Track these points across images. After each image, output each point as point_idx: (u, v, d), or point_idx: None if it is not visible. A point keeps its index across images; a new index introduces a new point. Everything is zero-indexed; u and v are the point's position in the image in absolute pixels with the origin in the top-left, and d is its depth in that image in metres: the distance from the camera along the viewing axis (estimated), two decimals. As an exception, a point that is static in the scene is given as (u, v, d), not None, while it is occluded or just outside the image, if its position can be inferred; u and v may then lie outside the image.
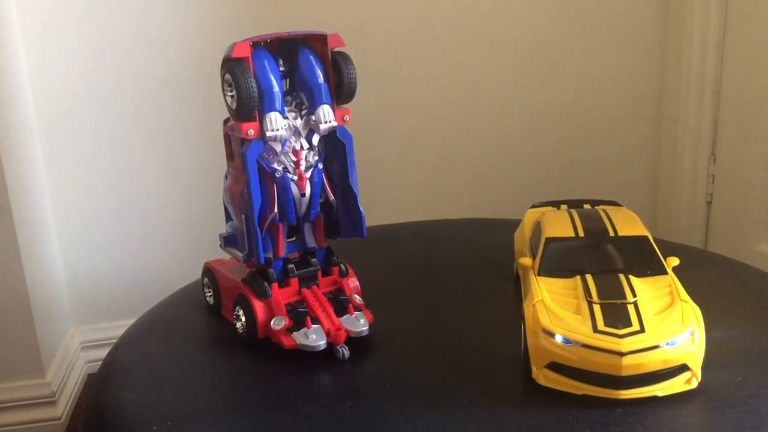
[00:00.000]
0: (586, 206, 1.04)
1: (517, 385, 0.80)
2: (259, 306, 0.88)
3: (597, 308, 0.78)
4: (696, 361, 0.76)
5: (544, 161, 1.98)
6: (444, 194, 1.95)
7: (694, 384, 0.77)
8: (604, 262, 0.86)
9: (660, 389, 0.76)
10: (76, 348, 1.83)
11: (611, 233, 0.90)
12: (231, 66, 0.80)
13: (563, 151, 1.98)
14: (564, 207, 1.05)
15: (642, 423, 0.73)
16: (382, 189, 1.88)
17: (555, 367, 0.77)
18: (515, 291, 1.01)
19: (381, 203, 1.88)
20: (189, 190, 1.83)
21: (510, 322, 0.91)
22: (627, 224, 0.92)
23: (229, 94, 0.81)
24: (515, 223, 1.09)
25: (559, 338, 0.77)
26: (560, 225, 0.93)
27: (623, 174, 2.04)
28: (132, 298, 1.79)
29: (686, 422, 0.73)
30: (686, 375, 0.77)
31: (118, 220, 1.81)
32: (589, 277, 0.84)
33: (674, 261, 0.88)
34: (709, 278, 1.05)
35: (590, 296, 0.80)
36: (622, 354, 0.74)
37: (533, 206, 1.09)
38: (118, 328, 1.07)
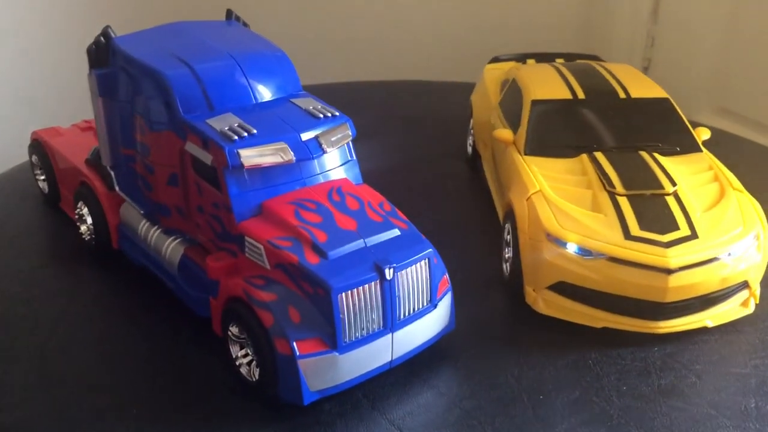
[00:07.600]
0: (559, 61, 0.78)
1: (502, 314, 0.56)
2: (108, 200, 0.58)
3: (624, 202, 0.54)
4: (758, 276, 0.54)
5: (473, 20, 1.69)
6: (387, 50, 1.61)
7: (752, 308, 0.55)
8: (617, 134, 0.61)
9: (710, 317, 0.53)
10: None
11: (621, 94, 0.64)
12: None
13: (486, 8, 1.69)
14: (533, 62, 0.79)
15: (693, 369, 0.50)
16: (321, 43, 1.54)
17: (563, 288, 0.53)
18: (472, 176, 0.75)
19: (320, 59, 1.54)
20: (53, 28, 1.42)
21: (468, 222, 0.65)
22: (637, 82, 0.67)
23: None
24: (463, 88, 0.82)
25: (572, 248, 0.52)
26: (548, 83, 0.67)
27: (550, 30, 1.77)
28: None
29: (756, 364, 0.51)
30: (742, 295, 0.54)
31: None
32: (600, 156, 0.58)
33: (705, 133, 0.64)
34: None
35: (611, 185, 0.55)
36: (670, 271, 0.50)
37: (493, 60, 0.82)
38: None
